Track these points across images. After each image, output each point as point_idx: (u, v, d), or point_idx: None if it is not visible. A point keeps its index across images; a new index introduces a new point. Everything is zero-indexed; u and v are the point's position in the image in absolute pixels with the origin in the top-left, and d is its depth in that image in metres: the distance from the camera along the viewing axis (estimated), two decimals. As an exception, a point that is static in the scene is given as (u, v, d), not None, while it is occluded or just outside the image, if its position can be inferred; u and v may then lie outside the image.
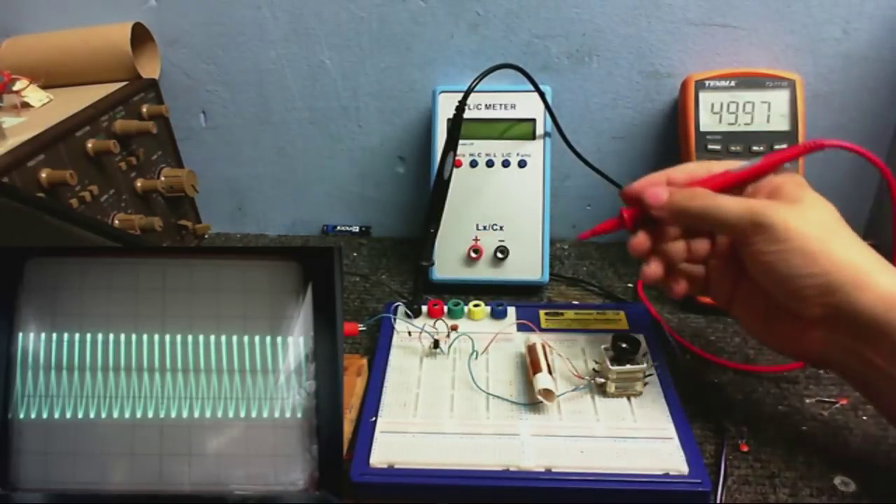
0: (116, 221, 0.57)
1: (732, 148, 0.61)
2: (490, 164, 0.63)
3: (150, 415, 0.39)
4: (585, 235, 0.47)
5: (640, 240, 0.44)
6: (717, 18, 0.62)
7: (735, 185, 0.42)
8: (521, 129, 0.62)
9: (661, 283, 0.45)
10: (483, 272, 0.62)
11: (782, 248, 0.37)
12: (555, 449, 0.42)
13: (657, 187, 0.43)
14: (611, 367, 0.45)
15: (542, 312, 0.56)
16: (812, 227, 0.37)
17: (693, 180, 0.43)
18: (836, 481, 0.42)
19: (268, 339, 0.40)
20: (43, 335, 0.39)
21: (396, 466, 0.41)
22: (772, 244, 0.37)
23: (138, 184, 0.61)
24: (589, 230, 0.47)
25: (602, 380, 0.46)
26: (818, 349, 0.40)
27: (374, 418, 0.45)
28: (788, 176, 0.41)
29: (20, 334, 0.39)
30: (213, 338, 0.40)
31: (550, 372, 0.46)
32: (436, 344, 0.51)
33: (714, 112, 0.61)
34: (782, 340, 0.42)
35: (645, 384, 0.46)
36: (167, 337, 0.40)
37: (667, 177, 0.44)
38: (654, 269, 0.44)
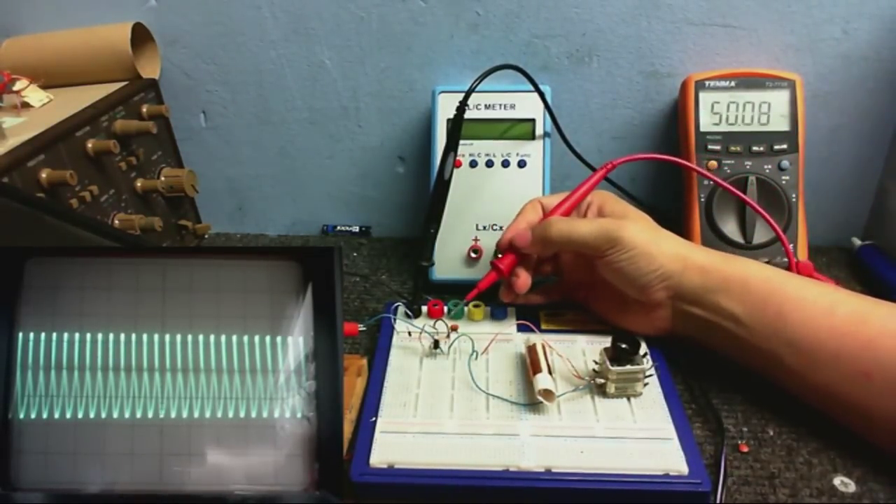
0: (116, 221, 0.57)
1: (732, 148, 0.61)
2: (490, 164, 0.63)
3: (150, 415, 0.39)
4: (471, 296, 0.54)
5: (523, 279, 0.53)
6: (717, 18, 0.62)
7: (574, 208, 0.53)
8: (520, 130, 0.62)
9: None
10: (483, 272, 0.62)
11: (631, 255, 0.48)
12: (555, 449, 0.42)
13: (523, 231, 0.52)
14: (611, 367, 0.45)
15: (542, 313, 0.56)
16: (644, 234, 0.48)
17: (545, 214, 0.54)
18: (836, 481, 0.42)
19: (268, 339, 0.40)
20: (43, 335, 0.39)
21: (396, 466, 0.41)
22: (623, 253, 0.48)
23: (138, 184, 0.61)
24: (474, 290, 0.53)
25: (602, 380, 0.46)
26: (664, 323, 0.50)
27: (374, 418, 0.45)
28: (604, 195, 0.54)
29: (20, 334, 0.39)
30: (212, 338, 0.40)
31: (550, 372, 0.46)
32: (436, 344, 0.51)
33: (714, 112, 0.61)
34: (636, 323, 0.52)
35: (645, 384, 0.46)
36: (167, 337, 0.40)
37: (526, 221, 0.54)
38: (524, 280, 0.53)
